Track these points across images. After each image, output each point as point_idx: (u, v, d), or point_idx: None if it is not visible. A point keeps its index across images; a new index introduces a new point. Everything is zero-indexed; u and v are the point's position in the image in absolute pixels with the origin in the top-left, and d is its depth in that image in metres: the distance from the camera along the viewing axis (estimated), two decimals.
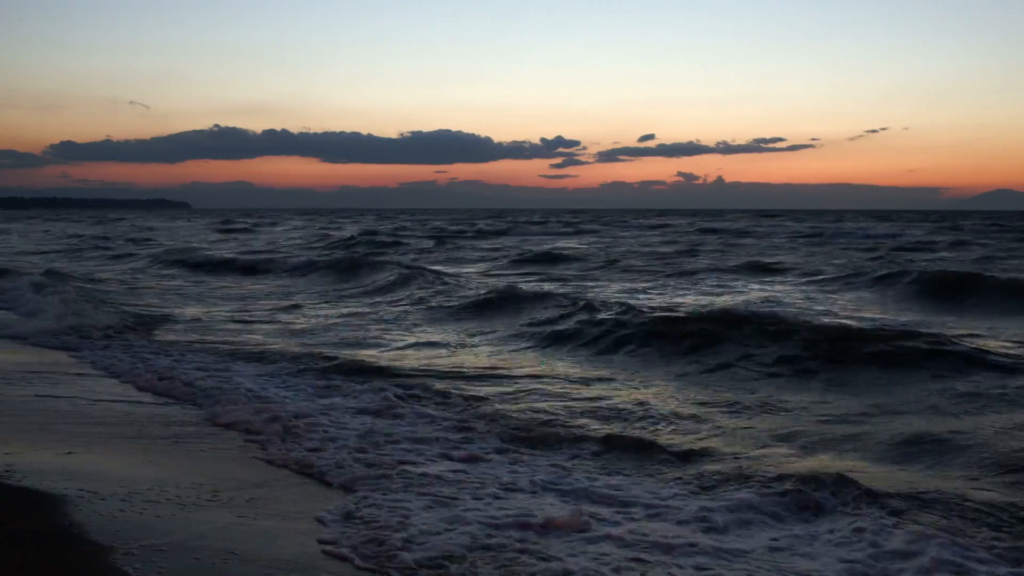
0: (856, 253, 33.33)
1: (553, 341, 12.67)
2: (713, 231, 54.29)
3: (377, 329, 14.30)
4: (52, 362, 10.82)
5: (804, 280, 21.79)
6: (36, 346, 12.12)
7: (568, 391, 9.25)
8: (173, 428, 7.64)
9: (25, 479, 5.82)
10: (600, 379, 10.05)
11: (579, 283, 21.96)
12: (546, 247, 36.94)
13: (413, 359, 11.25)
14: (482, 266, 29.08)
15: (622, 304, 14.59)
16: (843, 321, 13.65)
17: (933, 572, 4.48)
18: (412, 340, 13.02)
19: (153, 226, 74.41)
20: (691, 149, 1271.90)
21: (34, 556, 4.56)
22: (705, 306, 15.09)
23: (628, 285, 21.19)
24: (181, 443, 7.18)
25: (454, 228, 61.84)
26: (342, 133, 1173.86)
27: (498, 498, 5.68)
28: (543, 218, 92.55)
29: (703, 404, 8.69)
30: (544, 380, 9.89)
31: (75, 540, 4.80)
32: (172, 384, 9.31)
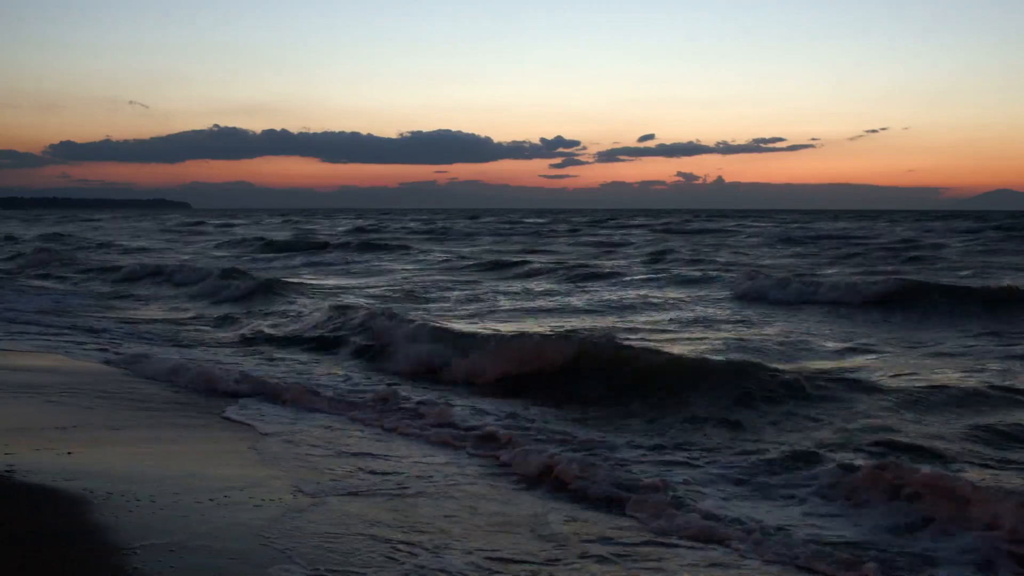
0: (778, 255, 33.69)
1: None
2: (671, 231, 54.64)
3: None
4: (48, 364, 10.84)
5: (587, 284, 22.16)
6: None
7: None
8: (178, 426, 7.67)
9: (25, 479, 5.78)
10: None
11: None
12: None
13: None
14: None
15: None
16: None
17: None
18: None
19: (104, 227, 73.61)
20: (691, 149, 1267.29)
21: (34, 556, 4.52)
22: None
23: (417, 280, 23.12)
24: (183, 442, 7.19)
25: (426, 228, 61.51)
26: (342, 133, 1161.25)
27: None
28: (523, 217, 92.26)
29: None
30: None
31: (76, 540, 4.77)
32: None
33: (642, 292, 19.20)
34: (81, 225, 76.35)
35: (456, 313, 15.97)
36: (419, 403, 8.77)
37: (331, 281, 23.66)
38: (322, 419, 8.36)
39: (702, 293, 19.05)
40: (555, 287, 20.96)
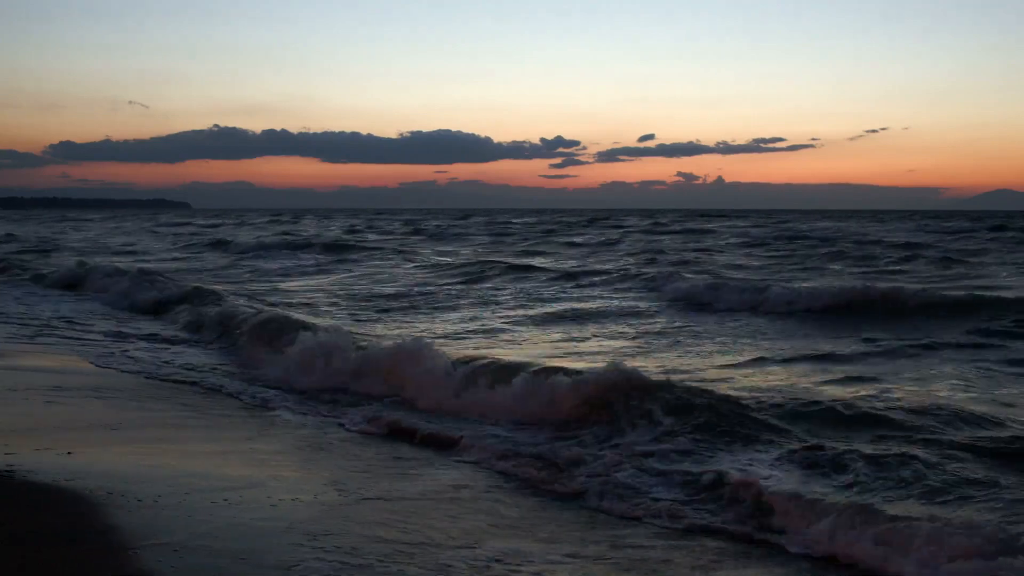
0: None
1: None
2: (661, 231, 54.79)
3: None
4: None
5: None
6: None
7: None
8: (183, 427, 7.71)
9: (26, 478, 5.79)
10: None
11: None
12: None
13: None
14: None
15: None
16: None
17: None
18: None
19: (89, 227, 73.28)
20: (691, 149, 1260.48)
21: (34, 556, 4.52)
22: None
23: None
24: (188, 442, 7.22)
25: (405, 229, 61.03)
26: (342, 133, 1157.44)
27: None
28: (515, 218, 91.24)
29: None
30: None
31: (76, 540, 4.77)
32: None
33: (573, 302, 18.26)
34: (65, 226, 75.79)
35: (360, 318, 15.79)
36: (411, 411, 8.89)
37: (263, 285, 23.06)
38: (322, 422, 8.43)
39: (625, 298, 18.42)
40: (498, 288, 20.83)
